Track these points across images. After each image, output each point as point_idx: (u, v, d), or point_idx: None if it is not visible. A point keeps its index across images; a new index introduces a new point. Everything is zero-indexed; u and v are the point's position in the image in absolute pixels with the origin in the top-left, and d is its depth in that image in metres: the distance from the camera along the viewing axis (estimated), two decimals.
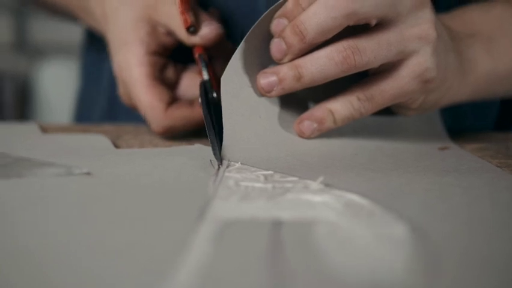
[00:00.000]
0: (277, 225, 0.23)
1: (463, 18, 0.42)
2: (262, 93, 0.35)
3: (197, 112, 0.38)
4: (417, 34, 0.34)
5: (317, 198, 0.27)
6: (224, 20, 0.44)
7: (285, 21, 0.34)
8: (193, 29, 0.37)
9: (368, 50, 0.33)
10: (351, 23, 0.33)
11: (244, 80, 0.35)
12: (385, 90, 0.35)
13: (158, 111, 0.38)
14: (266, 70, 0.35)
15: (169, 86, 0.40)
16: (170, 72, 0.40)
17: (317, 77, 0.34)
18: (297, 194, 0.27)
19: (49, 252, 0.20)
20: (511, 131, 0.50)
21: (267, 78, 0.34)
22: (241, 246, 0.21)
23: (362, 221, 0.23)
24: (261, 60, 0.36)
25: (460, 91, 0.39)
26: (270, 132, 0.36)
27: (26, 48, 1.56)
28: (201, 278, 0.18)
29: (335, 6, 0.32)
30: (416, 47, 0.34)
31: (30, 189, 0.27)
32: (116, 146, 0.37)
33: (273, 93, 0.34)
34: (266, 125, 0.36)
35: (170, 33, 0.39)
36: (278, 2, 0.34)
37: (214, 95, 0.37)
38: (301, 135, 0.36)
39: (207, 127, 0.34)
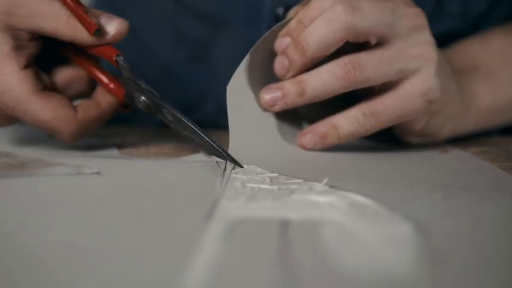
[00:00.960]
0: (285, 224, 0.24)
1: (464, 52, 0.43)
2: (266, 107, 0.36)
3: (105, 108, 0.37)
4: (417, 53, 0.35)
5: (322, 199, 0.27)
6: (230, 29, 0.44)
7: (288, 40, 0.35)
8: (99, 31, 0.34)
9: (369, 66, 0.34)
10: (350, 38, 0.33)
11: (248, 92, 0.36)
12: (390, 107, 0.35)
13: (70, 121, 0.35)
14: (270, 86, 0.35)
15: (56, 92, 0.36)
16: (45, 78, 0.36)
17: (319, 92, 0.34)
18: (303, 195, 0.28)
19: (60, 253, 0.20)
20: None
21: (271, 94, 0.35)
22: (251, 245, 0.22)
23: (368, 221, 0.24)
24: (265, 77, 0.36)
25: (463, 122, 0.40)
26: (273, 143, 0.37)
27: None
28: (213, 275, 0.19)
29: (335, 20, 0.33)
30: (417, 65, 0.35)
31: (41, 188, 0.27)
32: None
33: (276, 107, 0.35)
34: (269, 137, 0.37)
35: (34, 37, 0.35)
36: (283, 21, 0.36)
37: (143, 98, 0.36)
38: (303, 148, 0.37)
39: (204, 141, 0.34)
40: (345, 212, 0.25)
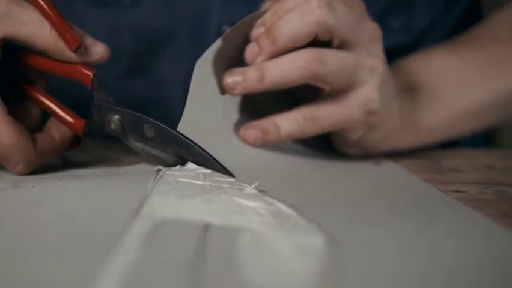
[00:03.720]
0: (206, 229, 0.25)
1: (407, 69, 0.44)
2: (226, 90, 0.36)
3: (61, 143, 0.35)
4: (370, 65, 0.36)
5: (249, 203, 0.28)
6: (175, 45, 0.44)
7: (262, 29, 0.36)
8: (80, 48, 0.33)
9: (331, 63, 0.34)
10: (320, 33, 0.34)
11: (211, 75, 0.36)
12: (331, 114, 0.36)
13: (29, 151, 0.33)
14: (233, 69, 0.36)
15: None
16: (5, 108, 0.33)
17: (278, 80, 0.35)
18: (231, 196, 0.29)
19: None
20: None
21: (232, 77, 0.35)
22: (169, 248, 0.22)
23: (286, 232, 0.25)
24: (234, 63, 0.37)
25: (402, 140, 0.41)
26: (220, 130, 0.38)
27: None
28: (126, 276, 0.20)
29: (308, 13, 0.34)
30: (365, 77, 0.36)
31: None
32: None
33: (236, 91, 0.36)
34: (220, 122, 0.38)
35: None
36: (259, 11, 0.36)
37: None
38: (244, 141, 0.38)
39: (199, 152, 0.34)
40: (267, 220, 0.26)
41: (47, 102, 0.35)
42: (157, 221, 0.25)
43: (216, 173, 0.33)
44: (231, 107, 0.38)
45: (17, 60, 0.35)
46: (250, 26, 0.36)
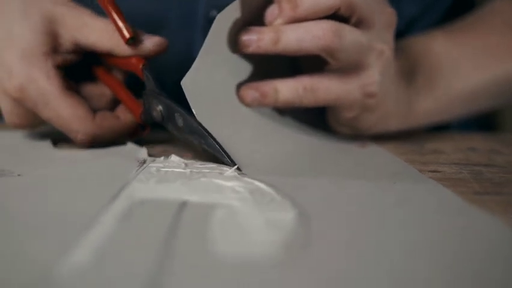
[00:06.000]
0: (182, 206, 0.26)
1: (407, 54, 0.44)
2: (240, 47, 0.36)
3: (123, 123, 0.39)
4: (379, 49, 0.36)
5: (227, 183, 0.29)
6: (164, 32, 0.44)
7: None
8: (132, 40, 0.36)
9: (346, 40, 0.34)
10: (342, 8, 0.34)
11: (228, 30, 0.36)
12: (330, 89, 0.37)
13: (86, 121, 0.37)
14: (251, 28, 0.35)
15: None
16: (72, 84, 0.39)
17: (292, 45, 0.34)
18: (211, 179, 0.30)
19: None
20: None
21: (248, 35, 0.35)
22: (144, 225, 0.23)
23: (261, 206, 0.26)
24: (252, 23, 0.36)
25: (393, 123, 0.42)
26: (225, 87, 0.37)
27: None
28: (99, 253, 0.21)
29: None
30: (372, 60, 0.36)
31: None
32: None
33: (249, 49, 0.35)
34: (226, 79, 0.37)
35: (77, 49, 0.38)
36: None
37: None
38: (242, 100, 0.37)
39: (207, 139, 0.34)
40: (243, 196, 0.27)
41: (118, 89, 0.39)
42: (135, 201, 0.26)
43: (198, 162, 0.34)
44: (240, 67, 0.38)
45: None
46: None
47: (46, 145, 0.39)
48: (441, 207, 0.27)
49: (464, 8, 0.52)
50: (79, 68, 0.39)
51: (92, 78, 0.41)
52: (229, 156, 0.33)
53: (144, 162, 0.34)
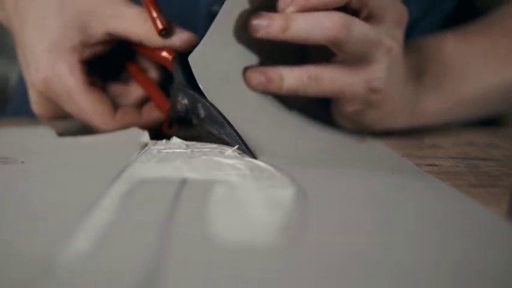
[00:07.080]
0: (183, 183, 0.26)
1: (417, 55, 0.43)
2: (250, 30, 0.35)
3: (145, 119, 0.39)
4: (387, 46, 0.36)
5: (228, 161, 0.29)
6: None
7: None
8: (165, 31, 0.37)
9: (355, 33, 0.34)
10: (354, 1, 0.34)
11: (239, 12, 0.36)
12: (335, 80, 0.36)
13: (107, 117, 0.38)
14: (262, 12, 0.35)
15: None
16: (97, 80, 0.39)
17: (301, 34, 0.34)
18: (211, 156, 0.30)
19: None
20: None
21: (259, 19, 0.35)
22: (145, 204, 0.24)
23: (260, 183, 0.26)
24: (264, 7, 0.36)
25: (397, 121, 0.42)
26: (231, 67, 0.37)
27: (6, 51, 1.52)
28: (99, 238, 0.20)
29: None
30: (380, 56, 0.36)
31: None
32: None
33: (258, 34, 0.35)
34: (233, 59, 0.37)
35: (107, 39, 0.38)
36: None
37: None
38: (247, 82, 0.38)
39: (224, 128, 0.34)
40: (243, 173, 0.27)
41: (150, 87, 0.40)
42: (136, 181, 0.26)
43: (199, 143, 0.34)
44: (248, 50, 0.38)
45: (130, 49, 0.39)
46: None
47: (50, 135, 0.40)
48: (434, 195, 0.27)
49: (466, 12, 0.52)
50: (111, 65, 0.40)
51: (125, 77, 0.41)
52: (247, 146, 0.33)
53: (146, 145, 0.34)
